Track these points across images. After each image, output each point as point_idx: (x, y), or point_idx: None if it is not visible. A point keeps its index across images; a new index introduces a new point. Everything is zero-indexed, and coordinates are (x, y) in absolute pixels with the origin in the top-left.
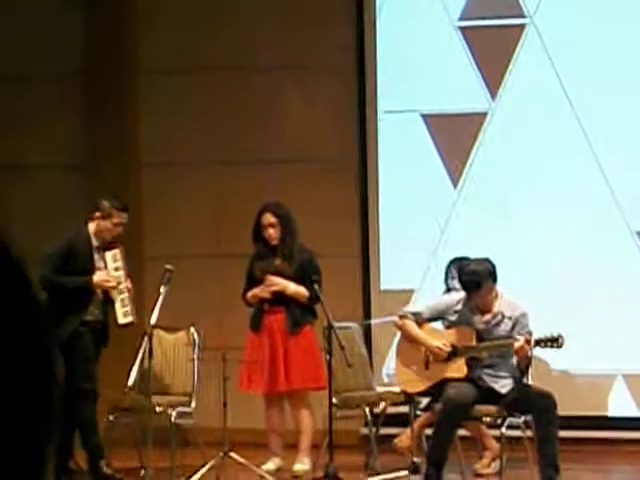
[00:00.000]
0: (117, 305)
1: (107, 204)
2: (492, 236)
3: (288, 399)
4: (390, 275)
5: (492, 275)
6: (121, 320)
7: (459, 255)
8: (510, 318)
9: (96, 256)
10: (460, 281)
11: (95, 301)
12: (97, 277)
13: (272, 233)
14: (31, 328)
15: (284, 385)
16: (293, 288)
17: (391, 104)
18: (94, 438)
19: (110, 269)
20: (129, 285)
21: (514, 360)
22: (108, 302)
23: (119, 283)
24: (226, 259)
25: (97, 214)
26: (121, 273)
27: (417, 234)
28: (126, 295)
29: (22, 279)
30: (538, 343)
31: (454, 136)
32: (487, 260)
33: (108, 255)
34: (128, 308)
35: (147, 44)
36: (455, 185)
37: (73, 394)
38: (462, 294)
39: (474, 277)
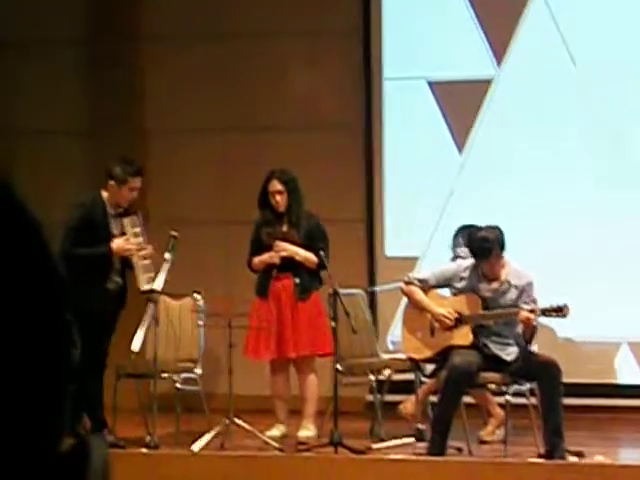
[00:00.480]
0: (139, 272)
1: (120, 170)
2: (497, 203)
3: (295, 365)
4: (395, 242)
5: (501, 243)
6: (144, 287)
7: (465, 223)
8: (516, 287)
9: (112, 223)
10: (470, 248)
11: (114, 268)
12: (115, 245)
13: (279, 200)
14: (40, 272)
15: (293, 351)
16: (303, 254)
17: (397, 71)
18: (99, 411)
19: (129, 235)
20: (151, 251)
21: (520, 328)
22: (126, 266)
23: (140, 249)
24: (231, 225)
25: (111, 182)
26: (141, 239)
27: (422, 201)
28: (149, 261)
29: (26, 219)
30: (543, 312)
31: (460, 103)
32: (497, 228)
33: (126, 221)
34: (152, 274)
35: (153, 10)
36: (461, 152)
37: (83, 367)
38: (469, 261)
39: (484, 244)
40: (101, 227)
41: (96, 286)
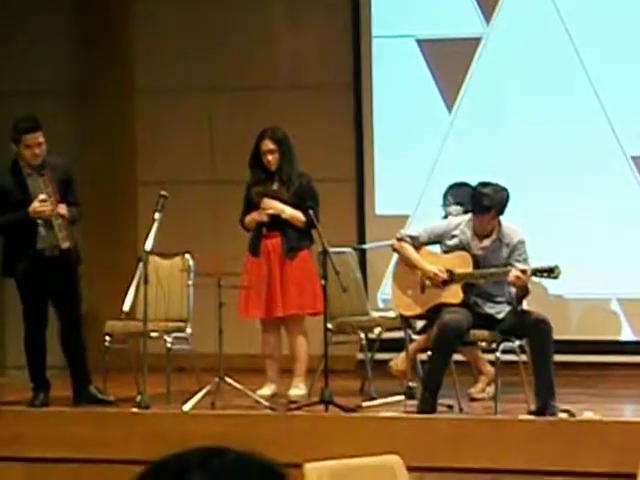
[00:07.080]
0: (56, 230)
1: (14, 130)
2: (486, 161)
3: (284, 324)
4: (385, 200)
5: (501, 206)
6: (63, 245)
7: (455, 180)
8: (508, 245)
9: (31, 184)
10: (471, 199)
11: (44, 227)
12: (31, 208)
13: (271, 159)
14: None
15: (281, 310)
16: (289, 212)
17: (386, 29)
18: (40, 368)
19: (45, 196)
20: (61, 211)
21: (512, 288)
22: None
23: (52, 209)
24: (220, 185)
25: (12, 144)
26: (52, 199)
27: (412, 159)
28: (60, 221)
29: None
30: (534, 273)
31: (449, 61)
32: (505, 190)
33: (40, 181)
34: (65, 233)
35: None
36: (450, 110)
37: (27, 323)
38: (460, 218)
39: (484, 200)
40: (17, 190)
41: (25, 249)
